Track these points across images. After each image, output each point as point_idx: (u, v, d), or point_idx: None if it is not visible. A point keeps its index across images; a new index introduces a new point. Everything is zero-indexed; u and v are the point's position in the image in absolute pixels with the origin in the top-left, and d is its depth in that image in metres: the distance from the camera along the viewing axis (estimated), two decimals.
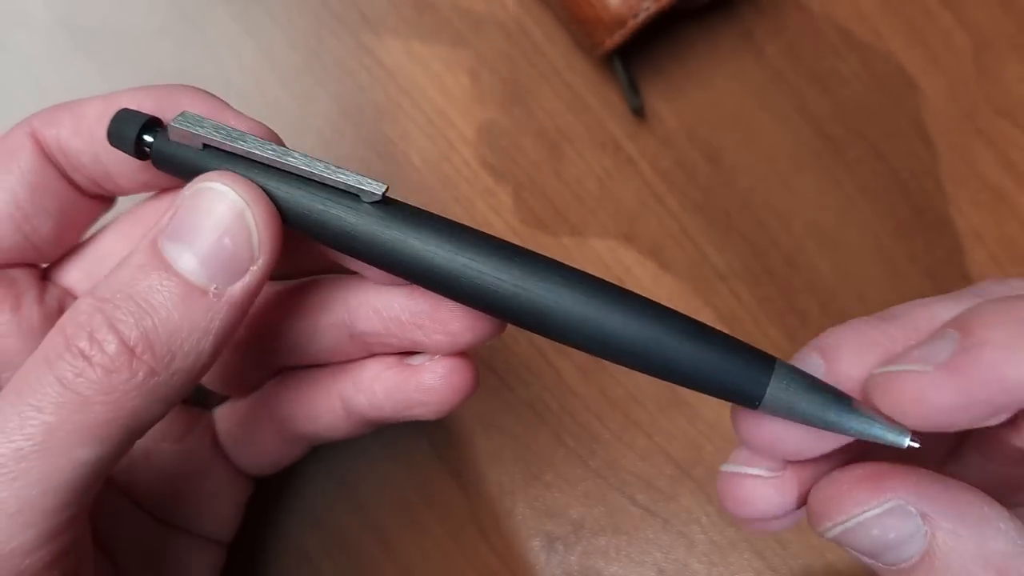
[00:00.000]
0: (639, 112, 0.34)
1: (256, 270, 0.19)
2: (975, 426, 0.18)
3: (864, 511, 0.18)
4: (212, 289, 0.19)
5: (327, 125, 0.33)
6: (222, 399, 0.27)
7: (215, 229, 0.19)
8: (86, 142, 0.22)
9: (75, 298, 0.24)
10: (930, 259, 0.34)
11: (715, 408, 0.33)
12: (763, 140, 0.34)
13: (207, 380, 0.25)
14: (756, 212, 0.34)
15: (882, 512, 0.18)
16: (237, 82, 0.33)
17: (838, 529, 0.18)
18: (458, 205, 0.33)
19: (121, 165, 0.22)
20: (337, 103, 0.33)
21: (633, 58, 0.33)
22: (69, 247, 0.24)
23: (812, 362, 0.20)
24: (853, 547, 0.18)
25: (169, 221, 0.19)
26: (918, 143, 0.34)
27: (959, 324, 0.18)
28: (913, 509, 0.18)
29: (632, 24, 0.31)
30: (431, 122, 0.33)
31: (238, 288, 0.19)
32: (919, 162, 0.34)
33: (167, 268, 0.19)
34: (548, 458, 0.32)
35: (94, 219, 0.25)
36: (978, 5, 0.35)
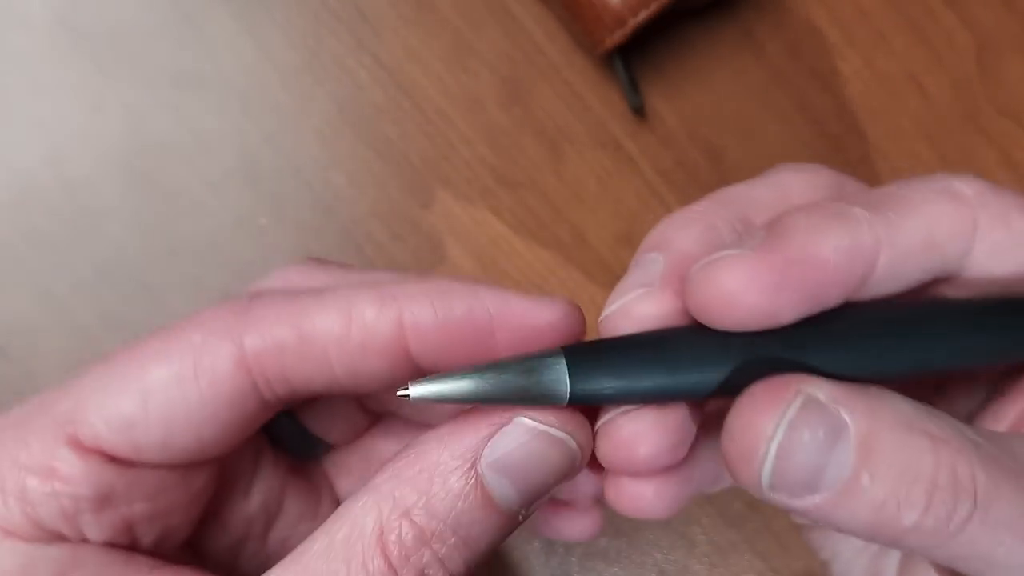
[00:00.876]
0: (639, 111, 0.33)
1: (560, 488, 0.19)
2: (792, 317, 0.17)
3: (781, 418, 0.16)
4: (521, 515, 0.18)
5: (326, 124, 0.33)
6: (325, 447, 0.27)
7: (546, 474, 0.18)
8: (319, 368, 0.20)
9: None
10: None
11: (716, 408, 0.33)
12: (764, 139, 0.34)
13: (318, 429, 0.25)
14: None
15: (799, 409, 0.16)
16: (236, 81, 0.33)
17: (769, 460, 0.16)
18: (457, 205, 0.33)
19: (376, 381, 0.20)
20: (336, 102, 0.33)
21: (633, 57, 0.33)
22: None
23: (649, 258, 0.20)
24: (790, 482, 0.17)
25: (493, 446, 0.18)
26: (920, 143, 0.34)
27: (766, 225, 0.18)
28: (822, 396, 0.17)
29: (632, 23, 0.30)
30: (430, 121, 0.33)
31: (539, 505, 0.19)
32: (921, 162, 0.34)
33: (490, 503, 0.18)
34: None
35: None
36: (981, 5, 0.34)
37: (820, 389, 0.17)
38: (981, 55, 0.34)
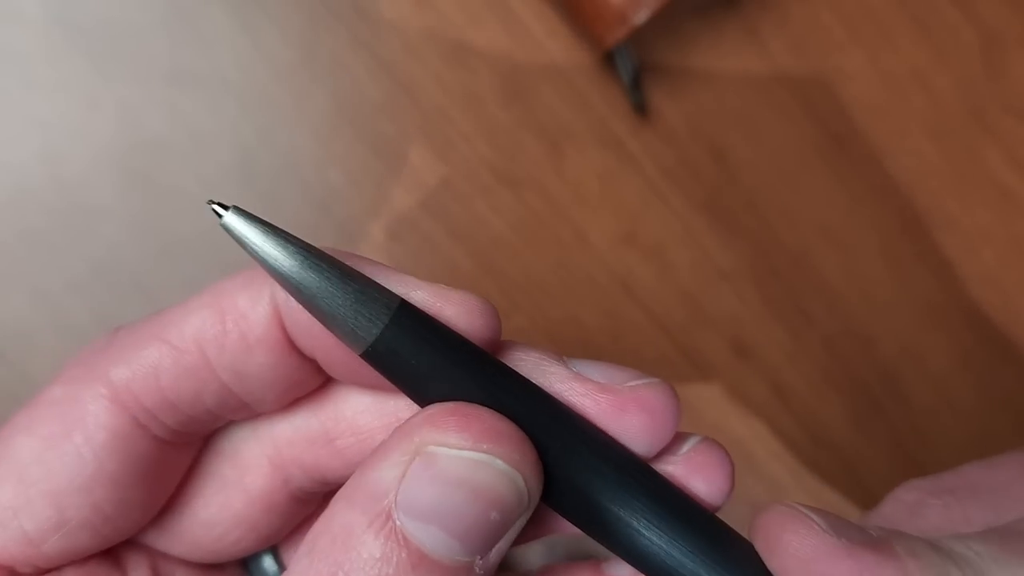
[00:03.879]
0: (642, 109, 0.33)
1: (520, 524, 0.16)
2: None
3: None
4: (477, 563, 0.15)
5: (323, 122, 0.33)
6: None
7: (485, 510, 0.15)
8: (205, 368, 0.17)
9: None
10: (937, 259, 0.34)
11: (718, 409, 0.33)
12: (768, 138, 0.34)
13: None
14: (761, 211, 0.33)
15: None
16: (232, 78, 0.33)
17: None
18: (457, 204, 0.33)
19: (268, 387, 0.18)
20: (333, 99, 0.33)
21: (635, 54, 0.33)
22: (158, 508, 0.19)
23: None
24: None
25: (405, 489, 0.15)
26: (925, 141, 0.34)
27: (885, 531, 0.17)
28: None
29: (634, 20, 0.30)
30: (429, 119, 0.33)
31: (503, 547, 0.16)
32: (925, 160, 0.34)
33: (425, 560, 0.14)
34: None
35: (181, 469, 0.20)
36: (986, 2, 0.34)
37: None
38: (986, 52, 0.34)
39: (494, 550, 0.15)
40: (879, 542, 0.16)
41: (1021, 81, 0.34)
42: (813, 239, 0.33)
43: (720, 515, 0.32)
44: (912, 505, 0.21)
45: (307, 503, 0.20)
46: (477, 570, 0.15)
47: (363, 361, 0.16)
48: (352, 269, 0.16)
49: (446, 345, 0.16)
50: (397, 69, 0.33)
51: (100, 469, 0.17)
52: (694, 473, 0.18)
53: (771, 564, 0.17)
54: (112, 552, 0.18)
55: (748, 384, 0.33)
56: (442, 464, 0.15)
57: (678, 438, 0.18)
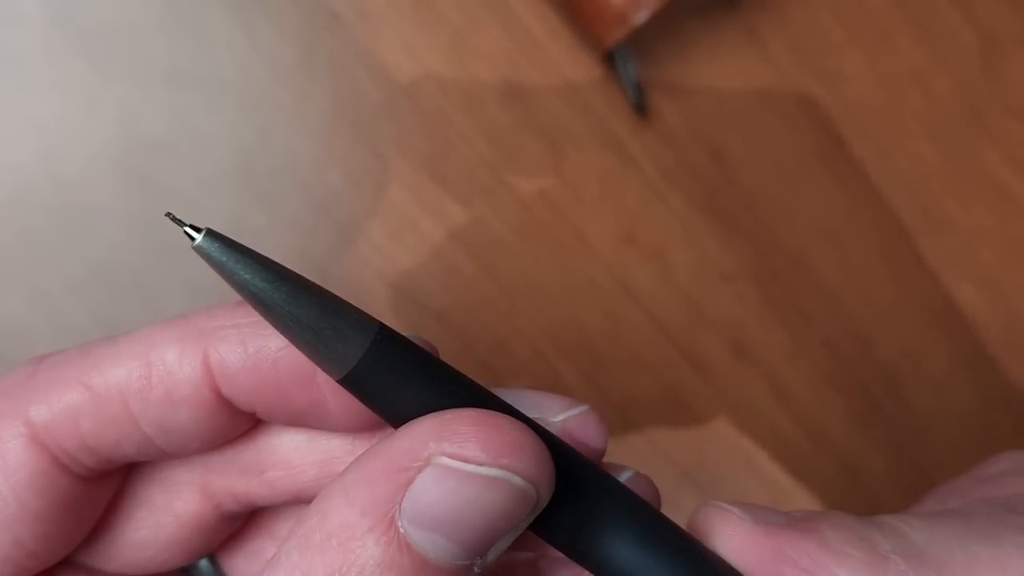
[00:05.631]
0: (641, 110, 0.33)
1: (522, 527, 0.15)
2: None
3: None
4: (477, 563, 0.15)
5: (322, 123, 0.33)
6: None
7: (491, 520, 0.14)
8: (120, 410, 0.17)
9: None
10: (936, 259, 0.34)
11: (716, 410, 0.33)
12: (768, 138, 0.34)
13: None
14: (761, 212, 0.33)
15: None
16: (231, 80, 0.33)
17: None
18: (456, 204, 0.33)
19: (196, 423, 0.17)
20: (333, 100, 0.33)
21: (635, 55, 0.33)
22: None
23: None
24: None
25: (412, 498, 0.14)
26: (924, 142, 0.34)
27: (808, 513, 0.18)
28: None
29: (634, 21, 0.30)
30: (429, 120, 0.33)
31: (501, 547, 0.15)
32: (925, 161, 0.34)
33: (427, 566, 0.14)
34: None
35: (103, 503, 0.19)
36: (985, 3, 0.34)
37: None
38: (985, 54, 0.34)
39: (493, 550, 0.15)
40: (798, 520, 0.17)
41: (1020, 82, 0.34)
42: (812, 240, 0.33)
43: None
44: None
45: (237, 519, 0.20)
46: (476, 569, 0.15)
47: (310, 404, 0.16)
48: (330, 294, 0.15)
49: (427, 370, 0.16)
50: (397, 69, 0.33)
51: (21, 507, 0.16)
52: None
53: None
54: (45, 572, 0.18)
55: (748, 385, 0.33)
56: (456, 479, 0.14)
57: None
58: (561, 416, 0.18)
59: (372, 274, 0.32)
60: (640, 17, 0.30)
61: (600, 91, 0.33)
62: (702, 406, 0.33)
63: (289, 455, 0.19)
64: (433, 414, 0.15)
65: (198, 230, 0.15)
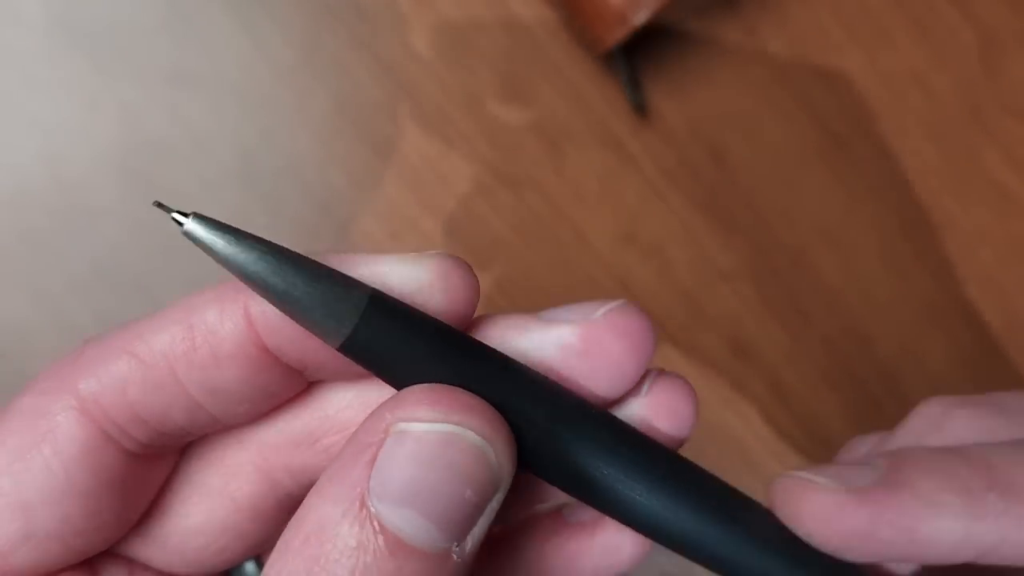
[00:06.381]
0: (641, 109, 0.33)
1: (494, 505, 0.15)
2: (865, 560, 0.17)
3: None
4: (454, 549, 0.14)
5: (324, 122, 0.33)
6: None
7: (460, 488, 0.14)
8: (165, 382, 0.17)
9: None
10: (936, 258, 0.34)
11: (717, 411, 0.33)
12: (767, 138, 0.34)
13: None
14: (760, 211, 0.33)
15: None
16: (233, 80, 0.33)
17: None
18: (456, 204, 0.33)
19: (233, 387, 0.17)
20: (334, 100, 0.33)
21: (635, 55, 0.33)
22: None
23: (872, 463, 0.18)
24: None
25: (378, 473, 0.14)
26: (923, 141, 0.34)
27: (891, 458, 0.17)
28: None
29: (634, 20, 0.30)
30: (429, 119, 0.33)
31: (478, 534, 0.15)
32: (924, 160, 0.34)
33: (402, 547, 0.14)
34: None
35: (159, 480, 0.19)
36: (985, 2, 0.34)
37: None
38: (985, 53, 0.34)
39: (470, 536, 0.15)
40: (886, 475, 0.17)
41: (1019, 81, 0.34)
42: (812, 239, 0.33)
43: None
44: (936, 417, 0.21)
45: (295, 505, 0.20)
46: (455, 557, 0.14)
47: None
48: (321, 265, 0.15)
49: (418, 331, 0.16)
50: (398, 69, 0.33)
51: (69, 481, 0.16)
52: (660, 410, 0.18)
53: (800, 533, 0.17)
54: (88, 563, 0.18)
55: (747, 383, 0.33)
56: (413, 440, 0.14)
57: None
58: (600, 311, 0.18)
59: None
60: (640, 17, 0.30)
61: (600, 91, 0.33)
62: (702, 405, 0.33)
63: (340, 416, 0.18)
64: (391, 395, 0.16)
65: (186, 215, 0.15)
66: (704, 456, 0.32)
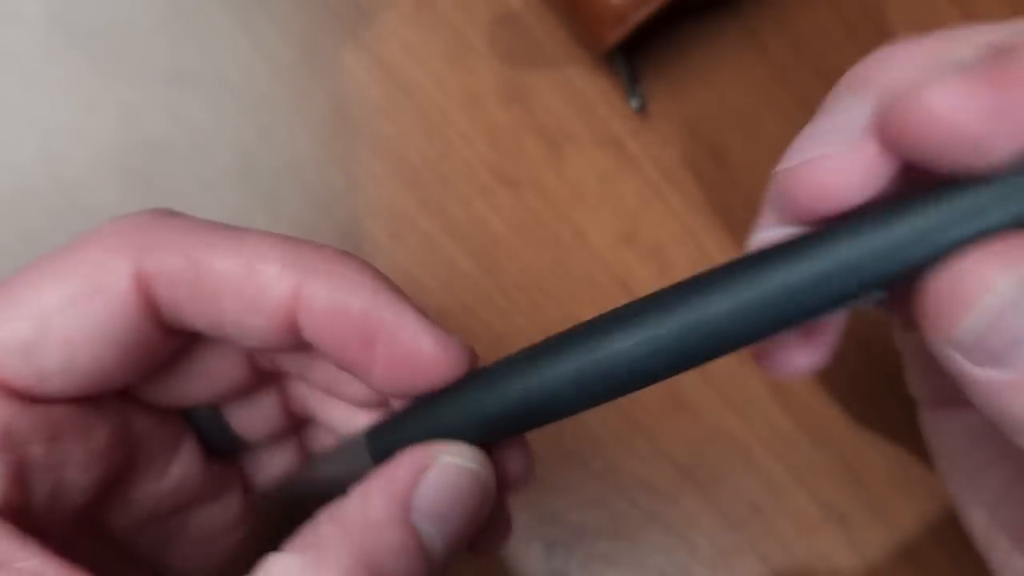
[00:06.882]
0: (641, 109, 0.33)
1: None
2: (1005, 153, 0.14)
3: (1017, 275, 0.14)
4: (445, 559, 0.18)
5: (323, 123, 0.33)
6: (243, 444, 0.26)
7: (469, 517, 0.19)
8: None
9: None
10: None
11: (718, 410, 0.33)
12: (768, 138, 0.34)
13: (240, 425, 0.24)
14: (760, 211, 0.33)
15: None
16: (232, 79, 0.33)
17: (981, 315, 0.15)
18: (456, 204, 0.33)
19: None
20: (333, 100, 0.33)
21: (635, 54, 0.33)
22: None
23: (848, 102, 0.17)
24: (991, 344, 0.15)
25: (423, 493, 0.18)
26: None
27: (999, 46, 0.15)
28: None
29: (634, 20, 0.30)
30: (429, 119, 0.33)
31: (453, 554, 0.19)
32: None
33: (421, 556, 0.18)
34: (548, 461, 0.32)
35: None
36: (985, 3, 0.34)
37: None
38: None
39: (451, 553, 0.19)
40: (999, 55, 0.15)
41: None
42: None
43: (721, 514, 0.32)
44: None
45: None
46: (441, 565, 0.18)
47: (362, 360, 0.20)
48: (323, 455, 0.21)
49: (419, 422, 0.20)
50: (397, 70, 0.33)
51: (112, 336, 0.19)
52: None
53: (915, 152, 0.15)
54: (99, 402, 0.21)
55: (747, 383, 0.33)
56: (455, 474, 0.18)
57: None
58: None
59: None
60: (639, 16, 0.30)
61: (600, 91, 0.33)
62: (701, 404, 0.33)
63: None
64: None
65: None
66: (704, 458, 0.33)
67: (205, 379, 0.22)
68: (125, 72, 0.32)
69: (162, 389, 0.22)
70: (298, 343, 0.20)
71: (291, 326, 0.19)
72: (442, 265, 0.33)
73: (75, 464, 0.19)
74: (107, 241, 0.19)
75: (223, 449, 0.25)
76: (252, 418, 0.24)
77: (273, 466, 0.26)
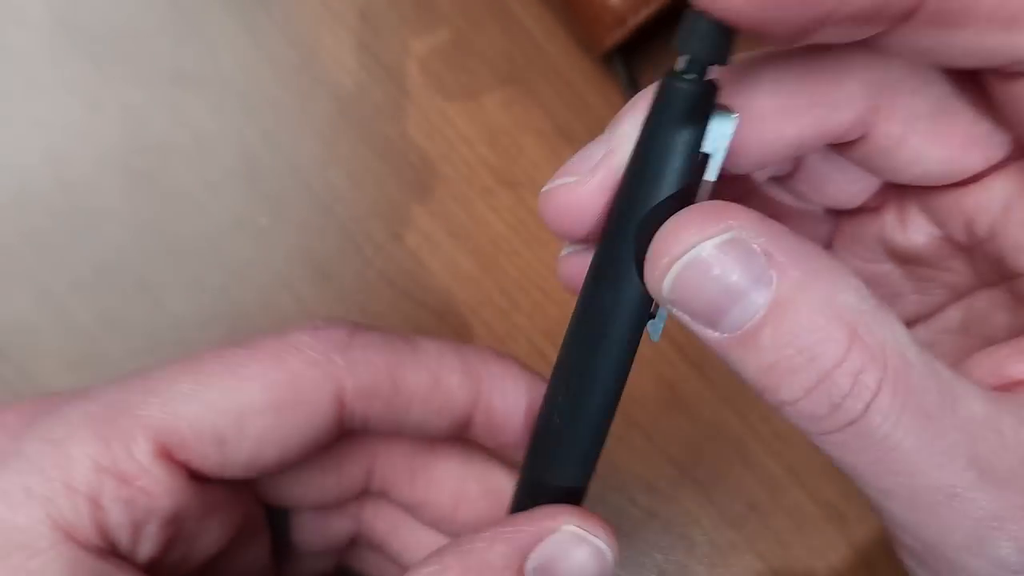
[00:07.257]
0: None
1: None
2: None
3: (701, 239, 0.15)
4: None
5: (325, 124, 0.33)
6: None
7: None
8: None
9: None
10: None
11: (716, 409, 0.33)
12: None
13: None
14: None
15: (722, 243, 0.15)
16: (235, 81, 0.33)
17: (674, 271, 0.16)
18: (457, 205, 0.33)
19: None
20: (335, 102, 0.33)
21: (634, 56, 0.33)
22: None
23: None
24: (691, 305, 0.16)
25: (540, 552, 0.19)
26: None
27: None
28: (756, 246, 0.15)
29: (633, 22, 0.30)
30: (430, 121, 0.33)
31: None
32: None
33: None
34: None
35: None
36: None
37: (755, 237, 0.15)
38: None
39: None
40: None
41: None
42: None
43: (719, 512, 0.32)
44: None
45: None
46: None
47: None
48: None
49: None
50: (398, 71, 0.33)
51: (302, 443, 0.20)
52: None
53: None
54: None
55: (747, 383, 0.33)
56: (574, 543, 0.19)
57: None
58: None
59: (374, 274, 0.33)
60: (638, 19, 0.30)
61: (599, 92, 0.34)
62: (701, 404, 0.33)
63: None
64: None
65: None
66: (703, 455, 0.33)
67: (317, 484, 0.24)
68: (129, 74, 0.33)
69: (285, 482, 0.23)
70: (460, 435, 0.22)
71: (465, 424, 0.22)
72: (443, 265, 0.33)
73: (209, 534, 0.21)
74: (307, 355, 0.20)
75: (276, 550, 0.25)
76: (317, 530, 0.25)
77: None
